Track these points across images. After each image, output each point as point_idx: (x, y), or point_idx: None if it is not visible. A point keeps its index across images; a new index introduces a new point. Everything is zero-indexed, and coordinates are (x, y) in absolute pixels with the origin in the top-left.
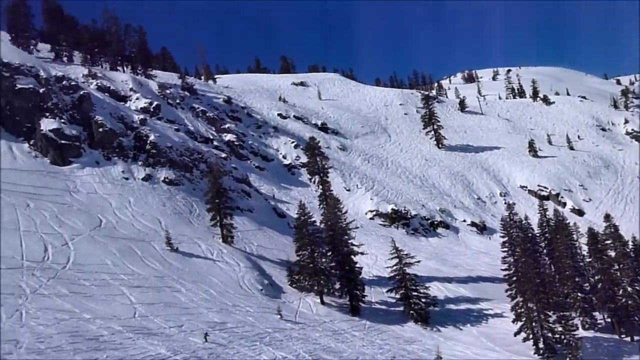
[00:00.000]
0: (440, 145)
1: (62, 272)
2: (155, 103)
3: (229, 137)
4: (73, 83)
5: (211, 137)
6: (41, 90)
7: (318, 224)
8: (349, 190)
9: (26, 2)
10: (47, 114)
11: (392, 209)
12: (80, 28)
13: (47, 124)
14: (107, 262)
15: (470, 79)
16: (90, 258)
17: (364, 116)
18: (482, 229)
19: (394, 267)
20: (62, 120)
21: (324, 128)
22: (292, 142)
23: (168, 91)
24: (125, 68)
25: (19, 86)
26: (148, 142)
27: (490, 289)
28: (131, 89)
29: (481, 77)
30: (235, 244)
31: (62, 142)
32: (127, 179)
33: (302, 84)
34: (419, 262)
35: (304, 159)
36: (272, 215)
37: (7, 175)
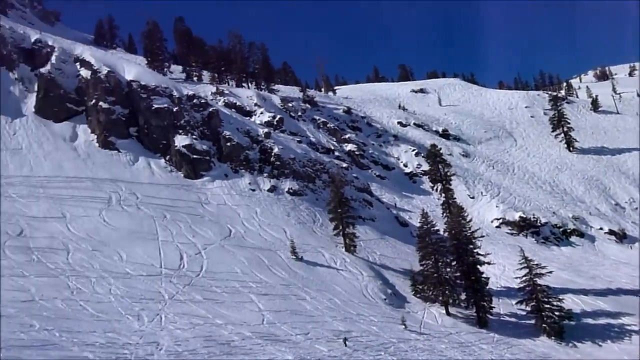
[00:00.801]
0: (571, 149)
1: (196, 279)
2: (279, 116)
3: (349, 147)
4: (203, 101)
5: (332, 148)
6: (175, 109)
7: (441, 232)
8: (473, 197)
9: (160, 28)
10: (180, 131)
11: (520, 217)
12: (208, 49)
13: (181, 140)
14: (237, 270)
15: (603, 77)
16: (221, 266)
17: (487, 121)
18: (621, 237)
19: (524, 278)
20: (194, 136)
21: (445, 135)
22: (413, 150)
23: (290, 104)
24: (249, 84)
25: (155, 106)
26: (272, 154)
27: (632, 303)
28: (256, 104)
29: (615, 74)
30: (358, 253)
31: (194, 156)
32: (253, 190)
33: (421, 90)
34: (551, 272)
35: (425, 166)
36: (394, 224)
37: (147, 189)
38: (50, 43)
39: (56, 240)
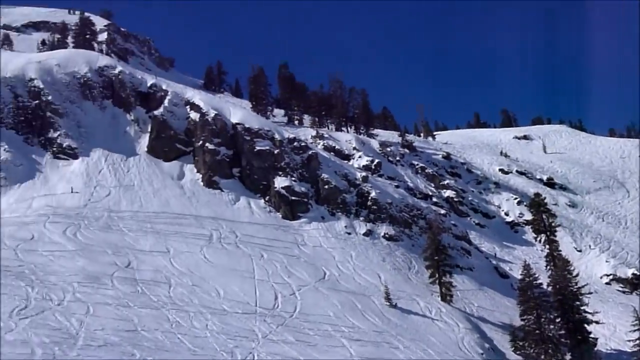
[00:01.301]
0: None
1: (290, 320)
2: (377, 161)
3: (448, 193)
4: (303, 144)
5: (430, 194)
6: (276, 151)
7: (545, 286)
8: (580, 250)
9: (265, 73)
10: (280, 173)
11: (633, 274)
12: (309, 94)
13: (280, 182)
14: (330, 313)
15: None
16: (315, 308)
17: (596, 170)
18: None
19: (637, 341)
20: (293, 178)
21: (550, 183)
22: (515, 199)
23: (388, 149)
24: (349, 128)
25: (258, 148)
26: (369, 198)
27: None
28: (354, 148)
29: None
30: (454, 304)
31: (293, 198)
32: (349, 233)
33: (525, 137)
34: None
35: (528, 216)
36: (493, 275)
37: (246, 228)
38: (164, 87)
39: (160, 273)
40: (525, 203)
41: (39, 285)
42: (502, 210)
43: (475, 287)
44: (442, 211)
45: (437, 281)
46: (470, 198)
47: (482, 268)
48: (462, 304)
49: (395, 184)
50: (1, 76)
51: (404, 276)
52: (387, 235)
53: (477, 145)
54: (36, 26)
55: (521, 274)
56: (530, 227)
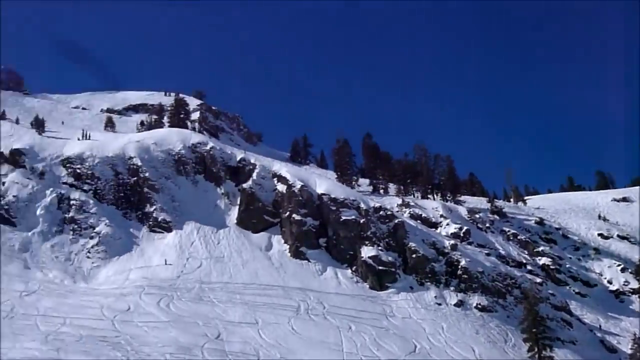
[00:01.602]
0: None
1: None
2: (465, 228)
3: (543, 260)
4: (389, 213)
5: (524, 261)
6: (362, 221)
7: None
8: None
9: (349, 144)
10: (367, 242)
11: None
12: (394, 162)
13: (367, 252)
14: None
15: None
16: None
17: None
18: None
19: None
20: (380, 248)
21: None
22: (618, 265)
23: (477, 216)
24: (435, 196)
25: (344, 218)
26: (459, 267)
27: None
28: (441, 216)
29: None
30: None
31: (380, 268)
32: (439, 304)
33: (624, 199)
34: None
35: (634, 284)
36: (599, 349)
37: (333, 299)
38: (252, 161)
39: (249, 345)
40: (630, 270)
41: (134, 355)
42: (605, 278)
43: None
44: (538, 280)
45: (537, 355)
46: (568, 265)
47: (585, 341)
48: None
49: (486, 251)
50: (104, 156)
51: (500, 350)
52: (480, 306)
53: (572, 210)
54: (135, 108)
55: (631, 348)
56: (638, 296)
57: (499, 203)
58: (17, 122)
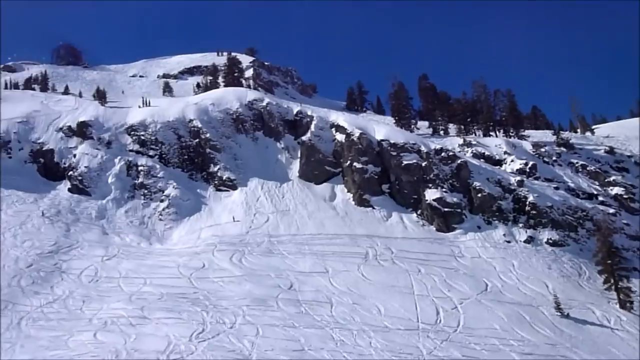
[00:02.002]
0: None
1: (454, 335)
2: (531, 163)
3: (615, 190)
4: (450, 154)
5: (595, 193)
6: (423, 164)
7: None
8: None
9: (405, 87)
10: (430, 185)
11: None
12: (453, 102)
13: (431, 194)
14: (496, 326)
15: None
16: (479, 322)
17: None
18: None
19: None
20: (444, 190)
21: None
22: None
23: (543, 150)
24: (497, 133)
25: (405, 162)
26: (527, 203)
27: None
28: (505, 152)
29: None
30: (635, 311)
31: (445, 209)
32: (508, 242)
33: None
34: None
35: None
36: None
37: (400, 243)
38: (309, 113)
39: (321, 293)
40: None
41: (213, 310)
42: None
43: None
44: (611, 210)
45: (613, 287)
46: None
47: None
48: None
49: (555, 185)
50: (166, 121)
51: (574, 284)
52: (550, 241)
53: None
54: (190, 71)
55: None
56: None
57: (565, 135)
58: (80, 95)
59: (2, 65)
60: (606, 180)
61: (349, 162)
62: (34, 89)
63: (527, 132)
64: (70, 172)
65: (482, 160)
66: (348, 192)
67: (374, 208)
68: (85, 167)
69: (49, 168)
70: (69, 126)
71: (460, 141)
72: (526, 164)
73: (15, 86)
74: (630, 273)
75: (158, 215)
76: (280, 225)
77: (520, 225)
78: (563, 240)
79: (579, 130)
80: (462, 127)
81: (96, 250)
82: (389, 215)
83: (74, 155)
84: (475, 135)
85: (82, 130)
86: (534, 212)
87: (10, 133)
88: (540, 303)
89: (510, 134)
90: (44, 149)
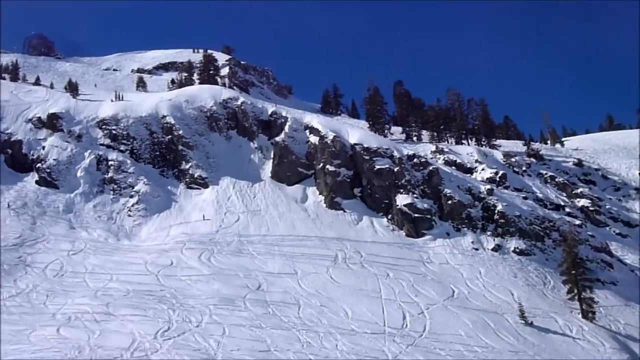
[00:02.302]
0: None
1: (419, 339)
2: (501, 172)
3: (582, 202)
4: (423, 160)
5: (562, 204)
6: (396, 169)
7: None
8: None
9: (380, 93)
10: (402, 190)
11: None
12: (427, 108)
13: (402, 200)
14: (461, 332)
15: None
16: (445, 327)
17: None
18: None
19: None
20: (415, 195)
21: None
22: None
23: (513, 159)
24: (469, 141)
25: (377, 167)
26: (496, 212)
27: None
28: (476, 161)
29: None
30: (597, 321)
31: (416, 215)
32: (476, 249)
33: None
34: None
35: None
36: None
37: (370, 247)
38: (283, 114)
39: (289, 295)
40: None
41: (179, 308)
42: None
43: (620, 303)
44: (577, 222)
45: (576, 297)
46: (608, 206)
47: (627, 282)
48: (607, 321)
49: (523, 195)
50: (138, 116)
51: (539, 292)
52: (517, 250)
53: (612, 149)
54: (165, 67)
55: None
56: None
57: (536, 146)
58: (51, 86)
59: None
60: (573, 192)
61: (321, 164)
62: (4, 79)
63: (498, 142)
64: (39, 164)
65: (453, 167)
66: (320, 194)
67: (345, 211)
68: (54, 159)
69: (17, 159)
70: (39, 117)
71: (433, 148)
72: (496, 173)
73: None
74: (594, 284)
75: (127, 211)
76: (251, 225)
77: (489, 233)
78: (529, 249)
79: (549, 141)
80: (435, 134)
81: (62, 244)
82: (359, 219)
83: (43, 147)
84: (448, 142)
85: (52, 122)
86: (502, 220)
87: None
88: (505, 310)
89: (482, 142)
90: (12, 139)
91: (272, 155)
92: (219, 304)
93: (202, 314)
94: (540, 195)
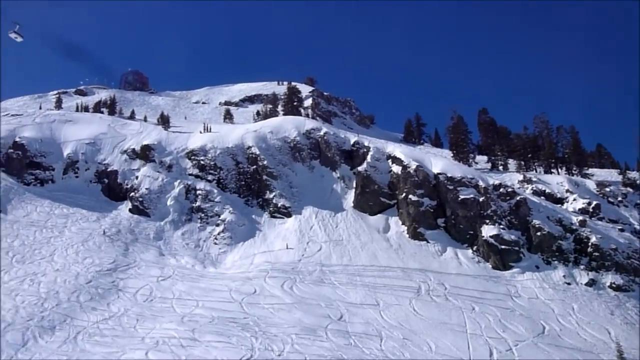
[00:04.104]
0: None
1: None
2: (595, 203)
3: None
4: (509, 190)
5: None
6: (481, 199)
7: None
8: None
9: (464, 121)
10: (487, 221)
11: None
12: (513, 137)
13: (488, 231)
14: None
15: None
16: None
17: None
18: None
19: None
20: (501, 226)
21: None
22: None
23: (607, 189)
24: (559, 170)
25: (462, 197)
26: (590, 244)
27: None
28: (567, 190)
29: None
30: None
31: (502, 247)
32: (568, 284)
33: None
34: None
35: None
36: None
37: (455, 279)
38: (366, 144)
39: (371, 326)
40: None
41: (262, 336)
42: None
43: None
44: None
45: None
46: None
47: None
48: None
49: (619, 227)
50: (225, 147)
51: (639, 332)
52: (614, 285)
53: None
54: (251, 99)
55: None
56: None
57: (632, 174)
58: (145, 119)
59: (75, 89)
60: None
61: (404, 194)
62: (102, 113)
63: (590, 171)
64: (132, 193)
65: (542, 197)
66: (402, 224)
67: (428, 242)
68: (146, 188)
69: (112, 188)
70: (133, 149)
71: (520, 177)
72: (589, 204)
73: (86, 109)
74: None
75: (213, 239)
76: (333, 255)
77: (582, 267)
78: (628, 285)
79: None
80: (522, 163)
81: (152, 270)
82: (443, 250)
83: (136, 177)
84: (536, 171)
85: (145, 153)
86: (596, 253)
87: (78, 153)
88: (601, 350)
89: (573, 171)
90: (108, 169)
91: (354, 185)
92: (301, 333)
93: (284, 343)
94: (639, 227)
